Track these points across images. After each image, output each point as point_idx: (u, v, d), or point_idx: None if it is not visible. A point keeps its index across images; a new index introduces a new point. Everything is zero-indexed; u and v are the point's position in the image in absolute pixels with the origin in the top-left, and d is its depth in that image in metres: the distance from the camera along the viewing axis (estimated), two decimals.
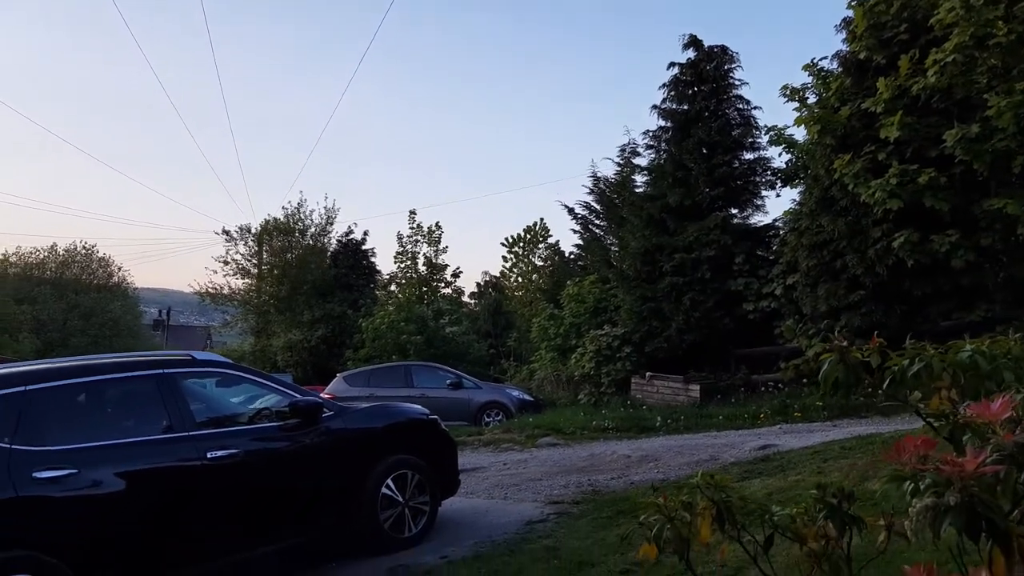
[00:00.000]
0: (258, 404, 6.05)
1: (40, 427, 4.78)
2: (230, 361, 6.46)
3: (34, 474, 4.57)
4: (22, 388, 4.85)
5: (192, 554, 5.21)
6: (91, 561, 4.69)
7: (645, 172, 18.48)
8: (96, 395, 5.34)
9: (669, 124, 17.26)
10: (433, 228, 25.89)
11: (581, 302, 18.40)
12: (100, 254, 44.79)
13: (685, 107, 17.09)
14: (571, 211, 20.81)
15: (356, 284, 27.76)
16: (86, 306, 40.80)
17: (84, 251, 44.09)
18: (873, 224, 11.93)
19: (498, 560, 5.53)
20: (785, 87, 15.16)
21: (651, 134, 17.68)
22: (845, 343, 2.07)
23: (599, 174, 20.56)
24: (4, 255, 42.47)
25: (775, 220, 16.74)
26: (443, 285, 25.84)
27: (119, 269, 45.61)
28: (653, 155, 17.92)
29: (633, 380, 16.09)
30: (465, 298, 26.33)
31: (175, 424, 5.28)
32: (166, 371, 5.50)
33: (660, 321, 15.87)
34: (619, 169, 20.08)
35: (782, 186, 16.80)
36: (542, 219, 26.11)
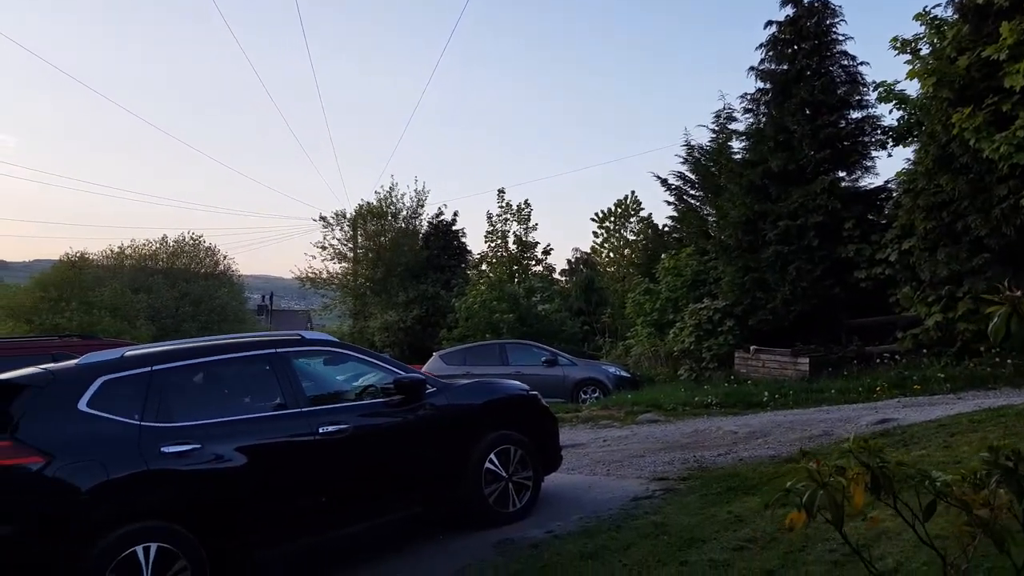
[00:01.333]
0: (364, 381, 6.16)
1: (166, 404, 5.01)
2: (337, 340, 6.62)
3: (162, 449, 4.81)
4: (148, 368, 5.10)
5: (307, 525, 5.37)
6: (214, 530, 4.90)
7: (743, 137, 17.73)
8: (215, 374, 5.57)
9: (768, 86, 16.45)
10: (522, 206, 25.88)
11: (678, 275, 17.94)
12: (207, 244, 46.90)
13: (785, 67, 16.25)
14: (664, 182, 20.32)
15: (448, 264, 28.09)
16: (195, 294, 42.88)
17: (192, 241, 46.28)
18: (998, 181, 11.07)
19: (605, 535, 5.48)
20: (895, 39, 14.14)
21: (749, 97, 16.93)
22: (1020, 293, 1.83)
23: (693, 142, 19.97)
24: (120, 248, 45.04)
25: (887, 182, 15.73)
26: (534, 263, 25.81)
27: (224, 258, 47.66)
28: (751, 119, 17.16)
29: (736, 354, 15.57)
30: (556, 275, 26.21)
31: (288, 401, 5.46)
32: (278, 351, 5.69)
33: (764, 292, 15.25)
34: (714, 136, 19.43)
35: (894, 145, 15.76)
36: (633, 192, 25.76)
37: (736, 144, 18.53)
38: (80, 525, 4.49)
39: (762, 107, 16.73)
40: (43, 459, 4.49)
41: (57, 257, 42.34)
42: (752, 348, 15.16)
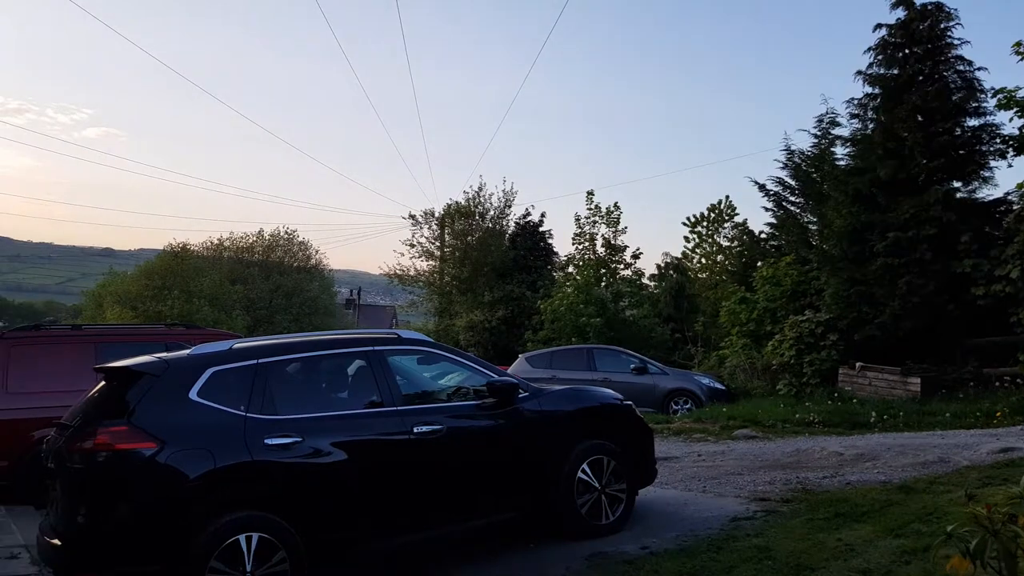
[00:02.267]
0: (456, 382, 6.15)
1: (270, 397, 5.11)
2: (431, 340, 6.61)
3: (266, 440, 4.90)
4: (255, 361, 5.21)
5: (400, 524, 5.38)
6: (312, 524, 4.96)
7: (848, 143, 16.96)
8: (316, 369, 5.65)
9: (877, 91, 15.69)
10: (612, 208, 25.50)
11: (777, 285, 17.28)
12: (300, 238, 48.16)
13: (895, 71, 15.46)
14: (762, 187, 19.57)
15: (534, 266, 28.00)
16: (288, 286, 44.26)
17: (286, 236, 47.65)
18: None
19: (704, 556, 5.27)
20: (1017, 44, 13.24)
21: (856, 102, 16.18)
22: None
23: (793, 147, 19.16)
24: (219, 240, 46.81)
25: (1007, 194, 14.75)
26: (622, 267, 25.35)
27: (316, 252, 48.86)
28: (857, 125, 16.40)
29: (840, 371, 14.87)
30: (645, 280, 25.68)
31: (384, 399, 5.48)
32: (376, 348, 5.72)
33: (871, 306, 14.51)
34: (816, 141, 18.60)
35: (1015, 155, 14.74)
36: (727, 197, 24.81)
37: (840, 150, 17.78)
38: (188, 511, 4.62)
39: (870, 112, 15.98)
40: (156, 445, 4.64)
41: (161, 247, 44.40)
42: (858, 365, 14.44)
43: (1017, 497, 1.98)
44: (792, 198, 19.55)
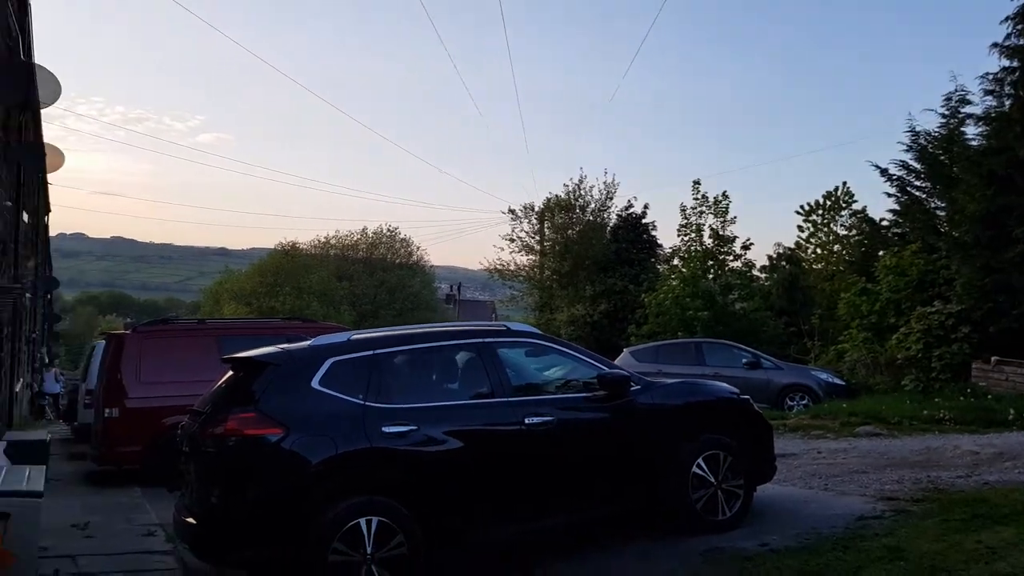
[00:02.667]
0: (566, 375, 6.12)
1: (386, 386, 5.26)
2: (540, 332, 6.63)
3: (383, 428, 5.05)
4: (371, 352, 5.37)
5: (512, 514, 5.43)
6: (428, 510, 5.07)
7: (981, 122, 15.80)
8: (429, 360, 5.80)
9: (1015, 64, 14.55)
10: (719, 198, 24.73)
11: (901, 275, 16.34)
12: (402, 235, 49.56)
13: None
14: (884, 172, 18.51)
15: (637, 259, 27.55)
16: (391, 282, 45.63)
17: (389, 233, 49.07)
18: None
19: (829, 555, 5.07)
20: None
21: (990, 77, 15.02)
22: None
23: (918, 128, 18.04)
24: (326, 238, 48.71)
25: None
26: (731, 258, 24.58)
27: (417, 248, 50.09)
28: (992, 102, 15.24)
29: (973, 365, 13.93)
30: (756, 272, 24.80)
31: (495, 390, 5.55)
32: (486, 340, 5.80)
33: (1008, 296, 13.53)
34: (944, 121, 17.43)
35: None
36: (844, 183, 23.54)
37: (972, 130, 16.57)
38: (311, 494, 4.81)
39: (1006, 88, 14.81)
40: (281, 431, 4.86)
41: (272, 245, 46.55)
42: (993, 359, 13.49)
43: None
44: (917, 182, 18.46)
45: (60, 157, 11.75)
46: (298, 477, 4.83)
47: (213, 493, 4.92)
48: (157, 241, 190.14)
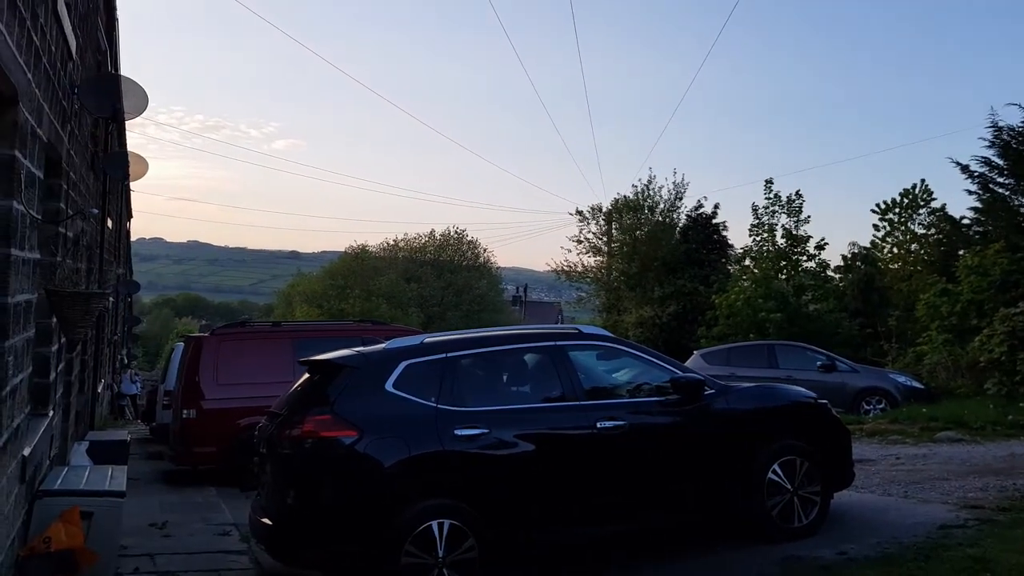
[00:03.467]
0: (638, 378, 6.06)
1: (459, 389, 5.30)
2: (612, 335, 6.60)
3: (456, 431, 5.08)
4: (444, 355, 5.41)
5: (584, 518, 5.40)
6: (498, 514, 5.09)
7: None
8: (501, 363, 5.81)
9: None
10: (793, 197, 24.09)
11: (984, 275, 15.66)
12: (469, 237, 49.85)
13: None
14: (965, 168, 17.80)
15: (707, 259, 27.08)
16: (459, 284, 45.99)
17: (456, 235, 49.46)
18: None
19: (911, 564, 4.94)
20: None
21: None
22: None
23: (1001, 123, 17.29)
24: (395, 241, 49.45)
25: None
26: (805, 258, 23.94)
27: (484, 250, 50.33)
28: None
29: None
30: (830, 272, 24.11)
31: (567, 393, 5.55)
32: (557, 343, 5.79)
33: None
34: None
35: None
36: (923, 181, 22.69)
37: None
38: (385, 497, 4.87)
39: None
40: (356, 433, 4.92)
41: (342, 248, 47.42)
42: None
43: None
44: (1000, 179, 17.68)
45: (144, 165, 12.12)
46: (372, 479, 4.88)
47: (289, 494, 4.99)
48: (231, 245, 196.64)
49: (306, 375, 5.73)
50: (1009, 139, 17.28)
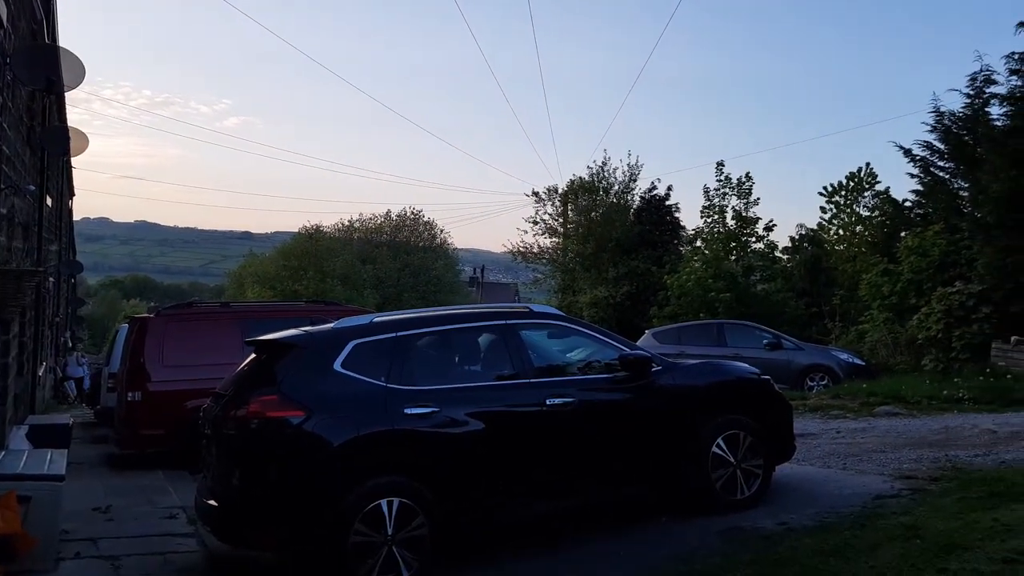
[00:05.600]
0: (588, 356, 6.13)
1: (408, 368, 5.28)
2: (563, 313, 6.66)
3: (405, 410, 5.07)
4: (393, 334, 5.39)
5: (531, 493, 5.47)
6: (449, 492, 5.12)
7: (1006, 102, 15.57)
8: (451, 342, 5.79)
9: None
10: (743, 179, 24.49)
11: (923, 255, 16.19)
12: (426, 218, 49.52)
13: None
14: (907, 152, 18.27)
15: (660, 240, 27.45)
16: (415, 265, 45.70)
17: (412, 216, 49.08)
18: None
19: (847, 533, 5.11)
20: None
21: (1016, 57, 14.80)
22: None
23: (943, 108, 17.78)
24: (350, 221, 48.85)
25: None
26: (754, 239, 24.39)
27: (441, 231, 50.02)
28: (1017, 81, 15.05)
29: (994, 345, 13.88)
30: (778, 253, 24.62)
31: (517, 371, 5.58)
32: (508, 322, 5.81)
33: None
34: (969, 101, 17.15)
35: None
36: (867, 164, 23.26)
37: (996, 110, 16.29)
38: (333, 476, 4.83)
39: None
40: (304, 413, 4.88)
41: (295, 229, 46.75)
42: (1013, 339, 13.43)
43: None
44: (941, 163, 18.20)
45: (84, 141, 11.75)
46: (319, 459, 4.85)
47: (235, 475, 4.95)
48: (181, 225, 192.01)
49: (252, 355, 5.66)
50: (950, 124, 17.75)
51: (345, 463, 4.87)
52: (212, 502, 5.10)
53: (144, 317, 10.15)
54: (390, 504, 4.86)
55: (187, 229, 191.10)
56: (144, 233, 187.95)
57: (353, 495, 4.81)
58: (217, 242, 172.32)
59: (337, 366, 5.09)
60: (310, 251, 42.09)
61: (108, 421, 10.97)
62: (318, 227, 46.69)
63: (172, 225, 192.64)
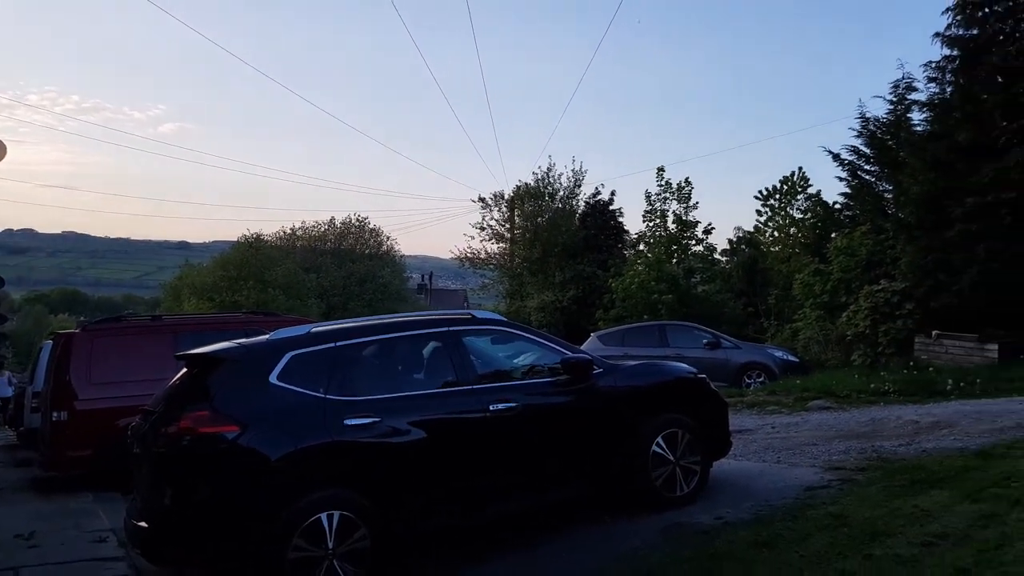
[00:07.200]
0: (531, 360, 6.20)
1: (348, 379, 5.21)
2: (505, 319, 6.69)
3: (345, 421, 5.00)
4: (332, 344, 5.31)
5: (477, 501, 5.47)
6: (391, 502, 5.07)
7: (925, 108, 16.35)
8: (393, 350, 5.73)
9: (955, 52, 15.05)
10: (683, 184, 25.12)
11: (851, 255, 16.84)
12: (371, 225, 48.76)
13: (975, 31, 14.83)
14: (836, 157, 19.00)
15: (605, 244, 27.84)
16: (361, 273, 45.00)
17: (358, 223, 48.33)
18: None
19: (779, 524, 5.29)
20: None
21: (933, 65, 15.53)
22: None
23: (868, 114, 18.53)
24: (292, 229, 47.83)
25: None
26: (694, 243, 24.99)
27: (388, 238, 49.41)
28: (935, 89, 15.80)
29: (916, 340, 14.57)
30: (717, 255, 25.28)
31: (460, 378, 5.56)
32: (450, 328, 5.79)
33: (948, 274, 14.06)
34: (892, 107, 17.94)
35: None
36: (800, 168, 24.06)
37: (917, 116, 17.16)
38: (270, 491, 4.73)
39: (948, 75, 15.39)
40: (238, 428, 4.76)
41: (234, 238, 45.66)
42: (934, 333, 14.11)
43: None
44: (867, 167, 18.98)
45: (2, 149, 11.22)
46: (255, 475, 4.72)
47: (166, 495, 4.79)
48: (112, 236, 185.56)
49: (184, 370, 5.50)
50: (875, 129, 18.51)
51: (283, 478, 4.76)
52: (142, 524, 4.92)
53: (69, 333, 9.75)
54: (331, 518, 4.77)
55: (119, 240, 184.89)
56: (72, 244, 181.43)
57: (292, 510, 4.71)
58: (152, 253, 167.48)
59: (273, 379, 4.98)
60: (250, 260, 41.15)
61: (32, 443, 10.53)
62: (259, 236, 45.68)
63: (103, 236, 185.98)
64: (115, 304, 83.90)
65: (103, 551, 6.24)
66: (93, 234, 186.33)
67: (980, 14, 14.73)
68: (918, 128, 16.79)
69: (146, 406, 5.47)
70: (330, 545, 4.76)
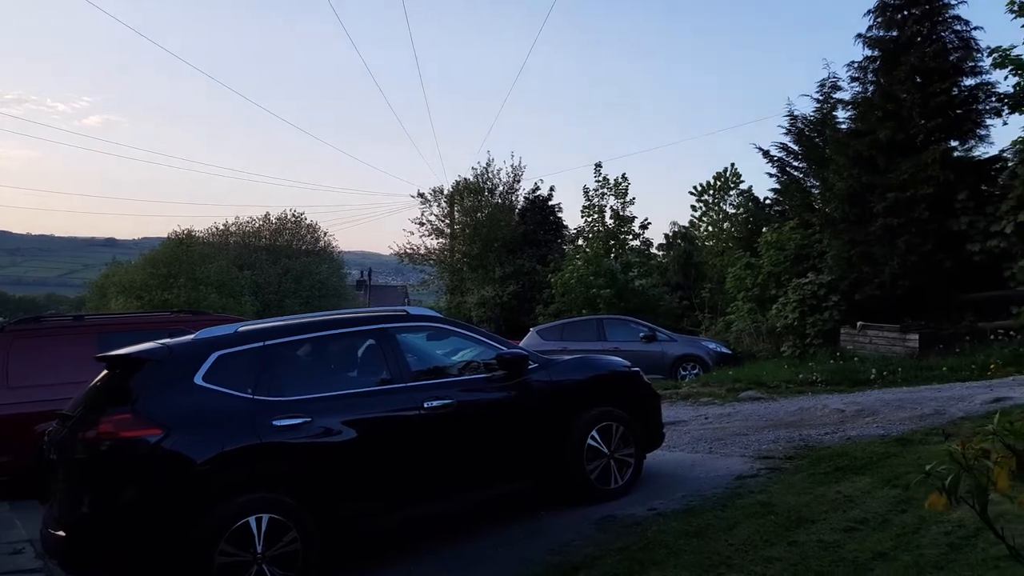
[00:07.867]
0: (466, 356, 6.19)
1: (277, 379, 5.10)
2: (440, 315, 6.66)
3: (274, 422, 4.89)
4: (261, 343, 5.19)
5: (411, 499, 5.43)
6: (323, 503, 4.99)
7: (849, 107, 16.95)
8: (324, 349, 5.64)
9: (876, 53, 15.65)
10: (619, 180, 25.44)
11: (780, 249, 17.34)
12: (308, 221, 47.92)
13: (894, 33, 15.43)
14: (766, 153, 19.54)
15: (544, 240, 28.04)
16: (297, 270, 44.24)
17: (294, 219, 47.39)
18: None
19: (710, 514, 5.40)
20: (1012, 2, 13.21)
21: (856, 65, 16.13)
22: None
23: (796, 112, 19.10)
24: (225, 225, 46.64)
25: (1002, 151, 14.67)
26: (631, 237, 25.39)
27: (325, 234, 48.64)
28: (858, 88, 16.38)
29: (842, 331, 15.06)
30: (654, 250, 25.74)
31: (394, 376, 5.51)
32: (383, 326, 5.73)
33: (871, 267, 14.61)
34: (818, 106, 18.55)
35: (1009, 113, 14.60)
36: (732, 164, 24.75)
37: (841, 114, 17.79)
38: (195, 496, 4.60)
39: (870, 75, 15.99)
40: (161, 431, 4.61)
41: (164, 235, 44.31)
42: (859, 324, 14.61)
43: (990, 434, 2.05)
44: (795, 163, 19.55)
45: None
46: (180, 479, 4.59)
47: (85, 502, 4.61)
48: (35, 232, 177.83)
49: (104, 372, 5.31)
50: (802, 127, 19.08)
51: (208, 481, 4.64)
52: (60, 532, 4.71)
53: None
54: (259, 521, 4.67)
55: (42, 236, 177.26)
56: None
57: (218, 514, 4.59)
58: (77, 250, 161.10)
59: (198, 380, 4.85)
60: (181, 257, 40.00)
61: None
62: (189, 232, 44.50)
63: (25, 233, 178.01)
64: (38, 304, 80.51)
65: (20, 563, 6.00)
66: (15, 231, 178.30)
67: (899, 16, 15.32)
68: (842, 126, 17.38)
69: (63, 410, 5.26)
70: (259, 549, 4.65)
